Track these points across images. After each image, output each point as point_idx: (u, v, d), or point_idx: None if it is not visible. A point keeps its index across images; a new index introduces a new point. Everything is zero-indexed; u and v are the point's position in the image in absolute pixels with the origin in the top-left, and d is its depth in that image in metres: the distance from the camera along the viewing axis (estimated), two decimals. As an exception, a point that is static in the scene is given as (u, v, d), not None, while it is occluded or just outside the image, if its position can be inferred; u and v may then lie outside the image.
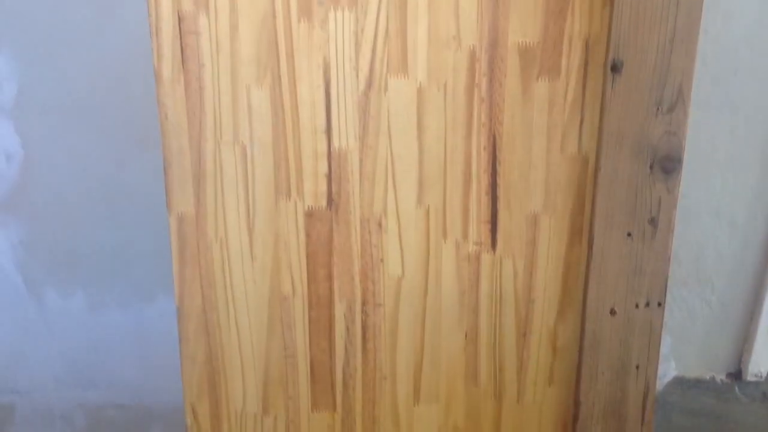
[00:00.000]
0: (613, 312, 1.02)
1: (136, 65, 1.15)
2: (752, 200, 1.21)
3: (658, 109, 0.93)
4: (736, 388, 1.32)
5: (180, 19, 0.96)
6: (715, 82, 1.15)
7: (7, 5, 1.15)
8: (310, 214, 1.03)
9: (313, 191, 1.02)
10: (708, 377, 1.33)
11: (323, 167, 1.01)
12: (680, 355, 1.31)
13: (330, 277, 1.05)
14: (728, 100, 1.16)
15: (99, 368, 1.35)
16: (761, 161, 1.19)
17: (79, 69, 1.17)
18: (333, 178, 1.01)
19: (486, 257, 1.05)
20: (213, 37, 0.96)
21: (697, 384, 1.33)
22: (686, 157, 1.14)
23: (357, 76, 0.98)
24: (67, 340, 1.34)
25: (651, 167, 0.96)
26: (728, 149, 1.18)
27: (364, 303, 1.06)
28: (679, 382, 1.33)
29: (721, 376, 1.33)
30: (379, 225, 1.03)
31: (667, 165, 0.95)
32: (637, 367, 1.04)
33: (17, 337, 1.35)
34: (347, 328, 1.07)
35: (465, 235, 1.04)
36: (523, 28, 0.95)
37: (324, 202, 1.02)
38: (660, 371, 1.18)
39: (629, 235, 0.99)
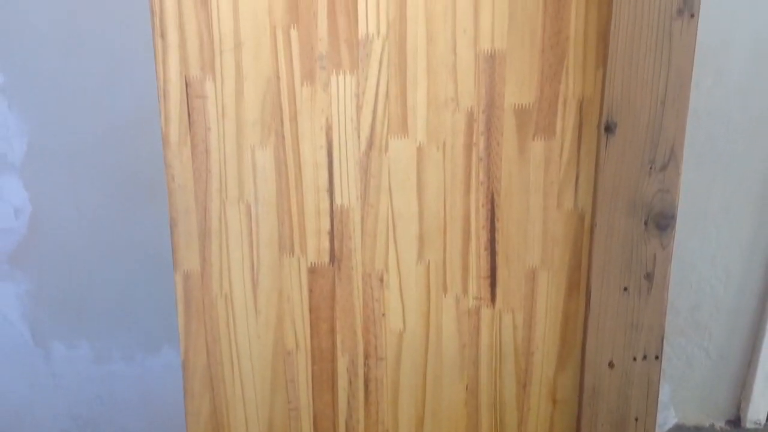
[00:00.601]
0: (611, 365, 1.03)
1: (143, 124, 1.18)
2: (747, 250, 1.23)
3: (651, 167, 0.96)
4: (736, 436, 1.33)
5: (187, 84, 0.99)
6: (708, 137, 1.18)
7: (19, 64, 1.18)
8: (312, 270, 1.05)
9: (316, 248, 1.04)
10: (707, 425, 1.34)
11: (326, 224, 1.04)
12: (680, 402, 1.33)
13: (332, 332, 1.07)
14: (721, 153, 1.19)
15: (104, 420, 1.37)
16: (754, 212, 1.21)
17: (87, 127, 1.20)
18: (335, 234, 1.04)
19: (486, 311, 1.07)
20: (219, 101, 0.99)
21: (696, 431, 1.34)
22: (682, 208, 1.17)
23: (358, 136, 1.01)
24: (73, 392, 1.36)
25: (645, 224, 0.98)
26: (722, 201, 1.21)
27: (366, 357, 1.08)
28: (678, 430, 1.34)
29: (720, 424, 1.34)
30: (381, 280, 1.06)
31: (661, 222, 0.98)
32: (636, 419, 1.06)
33: (23, 387, 1.37)
34: (350, 382, 1.09)
35: (465, 290, 1.06)
36: (519, 90, 0.98)
37: (326, 259, 1.05)
38: (660, 419, 1.19)
39: (626, 289, 1.01)
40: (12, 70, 1.18)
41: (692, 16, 0.91)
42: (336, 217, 1.03)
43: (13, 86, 1.19)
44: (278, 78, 0.99)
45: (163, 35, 0.97)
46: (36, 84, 1.18)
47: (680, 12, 0.90)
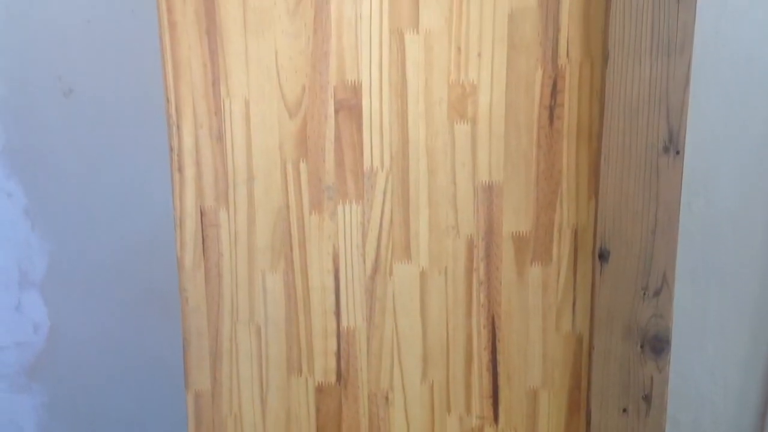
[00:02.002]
0: (613, 485, 1.05)
1: (159, 248, 1.24)
2: (744, 364, 1.26)
3: (644, 293, 1.00)
4: None
5: (202, 214, 1.05)
6: (702, 255, 1.22)
7: (42, 188, 1.25)
8: (320, 390, 1.08)
9: (323, 368, 1.08)
10: None
11: (332, 345, 1.07)
12: None
13: (339, 450, 1.10)
14: (715, 271, 1.22)
15: None
16: (750, 327, 1.24)
17: (106, 248, 1.26)
18: (342, 355, 1.08)
19: (489, 430, 1.09)
20: (231, 229, 1.05)
21: None
22: (679, 324, 1.21)
23: (364, 261, 1.05)
24: (84, 504, 1.38)
25: (641, 347, 1.01)
26: (718, 316, 1.24)
27: (372, 475, 1.10)
28: None
29: None
30: (386, 399, 1.09)
31: (657, 346, 1.01)
32: None
33: (34, 499, 1.39)
34: (356, 500, 1.11)
35: (468, 410, 1.09)
36: (516, 218, 1.04)
37: (333, 378, 1.08)
38: None
39: (625, 411, 1.03)
40: (36, 193, 1.25)
41: (678, 152, 0.96)
42: (343, 338, 1.07)
43: (36, 208, 1.26)
44: (288, 208, 1.04)
45: (180, 170, 1.03)
46: (58, 207, 1.25)
47: (666, 149, 0.96)
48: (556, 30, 0.97)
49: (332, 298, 1.06)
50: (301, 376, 1.08)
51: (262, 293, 1.07)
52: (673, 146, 0.96)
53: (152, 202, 1.24)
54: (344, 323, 1.07)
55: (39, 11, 1.20)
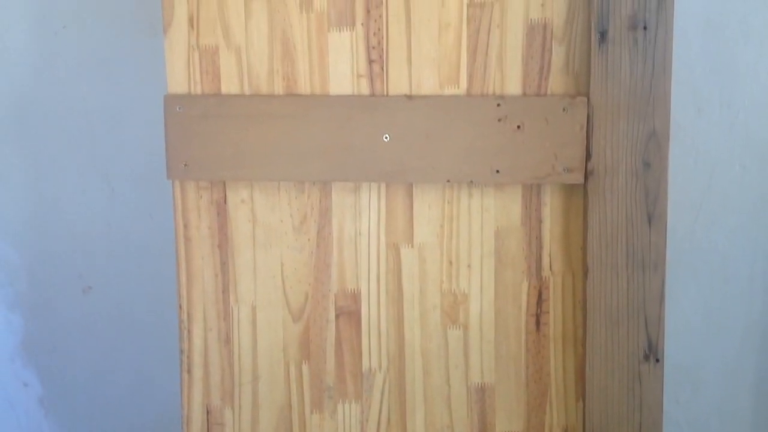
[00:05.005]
0: None
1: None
2: None
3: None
4: None
5: (208, 412, 1.10)
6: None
7: (57, 376, 1.31)
8: None
9: None
10: None
11: None
12: None
13: None
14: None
15: None
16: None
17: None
18: None
19: None
20: (236, 428, 1.10)
21: None
22: None
23: (362, 460, 1.10)
24: None
25: None
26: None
27: None
28: None
29: None
30: None
31: None
32: None
33: None
34: None
35: None
36: (507, 419, 1.08)
37: None
38: None
39: None
40: (51, 384, 1.32)
41: (657, 360, 1.02)
42: None
43: (51, 398, 1.31)
44: (290, 407, 1.10)
45: (189, 370, 1.09)
46: (72, 398, 1.30)
47: (646, 357, 1.02)
48: (539, 246, 1.05)
49: (331, 495, 1.10)
50: None
51: (264, 490, 1.10)
52: (652, 355, 1.02)
53: (161, 398, 1.29)
54: None
55: (62, 214, 1.30)
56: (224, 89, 1.05)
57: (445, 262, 1.07)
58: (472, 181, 1.03)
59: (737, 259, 1.23)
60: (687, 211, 1.22)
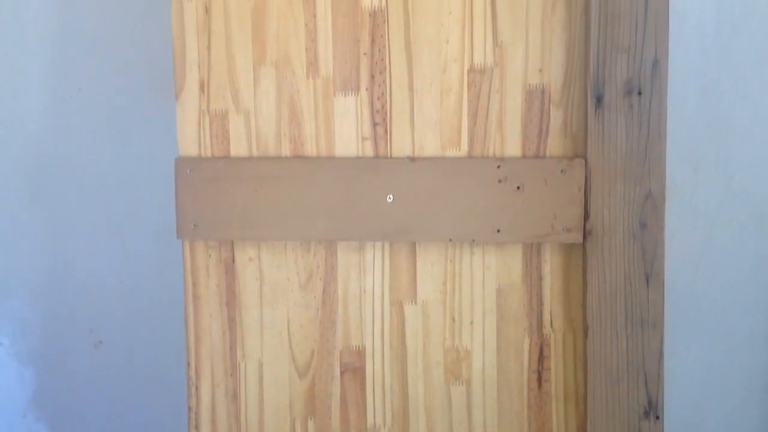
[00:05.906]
0: None
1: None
2: None
3: None
4: None
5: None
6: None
7: (68, 429, 1.33)
8: None
9: None
10: None
11: None
12: None
13: None
14: None
15: None
16: None
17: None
18: None
19: None
20: (242, 484, 1.11)
21: None
22: None
23: None
24: None
25: None
26: None
27: None
28: None
29: None
30: None
31: None
32: None
33: None
34: None
35: None
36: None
37: None
38: None
39: None
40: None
41: (657, 417, 1.04)
42: None
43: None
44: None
45: (197, 427, 1.11)
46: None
47: (647, 414, 1.03)
48: (540, 304, 1.07)
49: None
50: None
51: None
52: (653, 412, 1.03)
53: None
54: None
55: (75, 271, 1.33)
56: (233, 152, 1.08)
57: (448, 319, 1.09)
58: (473, 240, 1.06)
59: (737, 314, 1.25)
60: (687, 268, 1.24)
